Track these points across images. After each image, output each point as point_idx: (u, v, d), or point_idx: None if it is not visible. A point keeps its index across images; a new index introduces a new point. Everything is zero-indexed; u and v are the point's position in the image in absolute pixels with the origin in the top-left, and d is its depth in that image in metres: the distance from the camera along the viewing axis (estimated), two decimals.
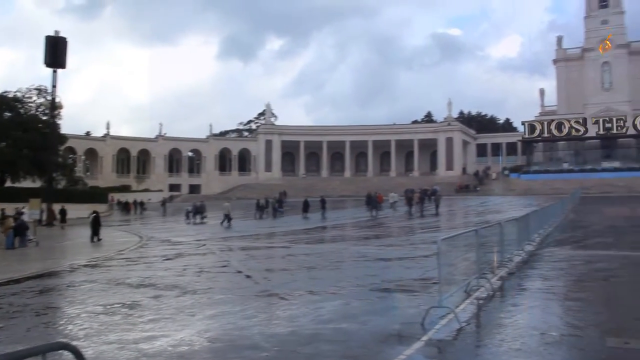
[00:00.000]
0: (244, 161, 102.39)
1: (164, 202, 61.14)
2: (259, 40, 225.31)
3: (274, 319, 9.59)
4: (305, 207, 42.12)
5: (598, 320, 9.21)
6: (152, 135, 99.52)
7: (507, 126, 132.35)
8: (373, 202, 42.79)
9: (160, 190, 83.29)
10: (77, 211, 44.73)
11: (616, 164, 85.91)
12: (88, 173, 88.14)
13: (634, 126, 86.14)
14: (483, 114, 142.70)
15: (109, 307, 10.83)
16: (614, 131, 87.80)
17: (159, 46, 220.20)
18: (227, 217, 34.94)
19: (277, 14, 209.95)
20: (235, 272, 15.53)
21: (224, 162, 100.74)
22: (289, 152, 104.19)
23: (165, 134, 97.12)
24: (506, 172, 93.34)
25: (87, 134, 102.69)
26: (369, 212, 42.07)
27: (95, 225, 26.12)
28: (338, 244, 23.40)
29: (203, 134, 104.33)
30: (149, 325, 9.25)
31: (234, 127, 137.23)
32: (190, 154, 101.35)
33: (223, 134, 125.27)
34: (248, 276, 14.45)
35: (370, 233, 28.69)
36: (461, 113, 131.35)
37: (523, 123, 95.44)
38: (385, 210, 43.93)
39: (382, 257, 17.82)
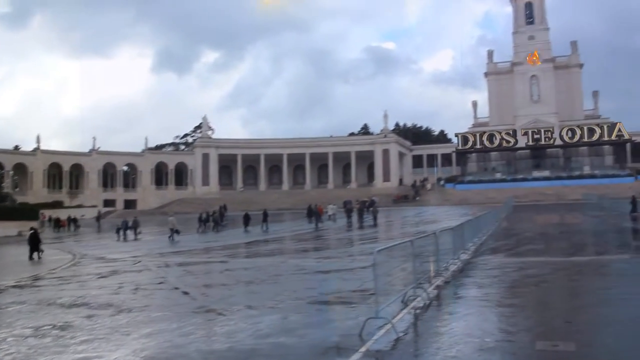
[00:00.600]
0: (181, 175, 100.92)
1: (98, 218, 59.56)
2: (193, 53, 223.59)
3: (212, 335, 9.49)
4: (246, 220, 41.92)
5: (529, 324, 9.52)
6: (86, 149, 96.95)
7: (442, 137, 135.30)
8: (315, 214, 43.38)
9: (95, 206, 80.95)
10: (4, 229, 43.01)
11: (546, 173, 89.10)
12: (17, 189, 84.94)
13: (561, 137, 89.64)
14: (418, 125, 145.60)
15: (38, 329, 10.45)
16: (543, 142, 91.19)
17: (91, 58, 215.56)
18: (174, 231, 34.36)
19: (211, 27, 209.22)
20: (172, 288, 15.27)
21: (160, 176, 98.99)
22: (227, 166, 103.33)
23: (99, 147, 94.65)
24: (442, 182, 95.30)
25: (16, 148, 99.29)
26: (310, 224, 42.49)
27: (34, 242, 25.30)
28: (277, 257, 23.32)
29: (138, 148, 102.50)
30: (81, 346, 8.98)
31: (170, 141, 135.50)
32: (125, 168, 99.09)
33: (159, 147, 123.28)
34: (185, 292, 14.25)
35: (309, 245, 28.76)
36: (397, 125, 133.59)
37: (457, 135, 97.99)
38: (325, 222, 44.15)
39: (321, 270, 17.88)
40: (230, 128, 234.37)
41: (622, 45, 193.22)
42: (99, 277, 18.23)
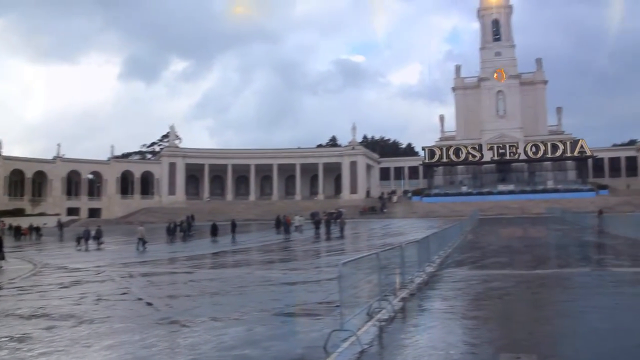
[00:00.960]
0: (147, 184, 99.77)
1: (61, 227, 58.45)
2: (162, 61, 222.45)
3: (175, 347, 9.37)
4: (214, 230, 41.69)
5: (493, 337, 9.61)
6: (49, 156, 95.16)
7: (409, 150, 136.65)
8: (284, 225, 43.86)
9: (58, 214, 79.50)
10: None
11: (511, 187, 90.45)
12: None
13: (525, 152, 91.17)
14: (386, 138, 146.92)
15: None
16: (508, 156, 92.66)
17: (56, 63, 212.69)
18: (142, 241, 33.88)
19: (180, 36, 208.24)
20: (135, 299, 15.04)
21: (126, 185, 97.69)
22: (193, 176, 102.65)
23: (63, 155, 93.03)
24: (409, 195, 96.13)
25: None
26: (278, 235, 42.85)
27: None
28: (243, 269, 23.18)
29: (104, 156, 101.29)
30: (39, 359, 8.79)
31: (136, 149, 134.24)
32: (90, 176, 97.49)
33: (125, 156, 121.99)
34: (149, 303, 14.05)
35: (276, 257, 28.64)
36: (365, 137, 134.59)
37: (424, 148, 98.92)
38: (292, 234, 44.12)
39: (287, 281, 17.81)
40: (198, 138, 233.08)
41: (584, 63, 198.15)
42: (60, 287, 17.87)
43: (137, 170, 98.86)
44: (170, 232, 42.94)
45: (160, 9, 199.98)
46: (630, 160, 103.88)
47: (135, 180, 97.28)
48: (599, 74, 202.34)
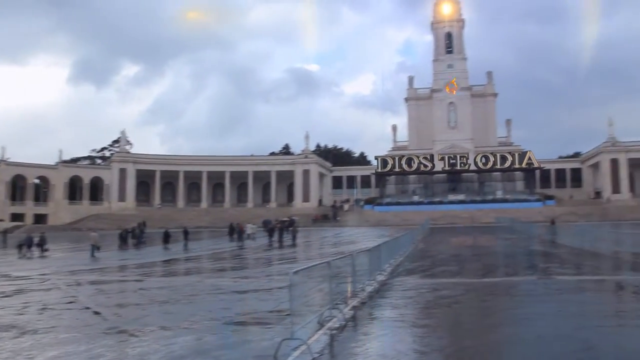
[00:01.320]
0: (97, 190, 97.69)
1: (4, 233, 56.70)
2: (113, 65, 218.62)
3: (123, 357, 9.20)
4: (166, 238, 41.10)
5: (442, 344, 9.74)
6: None
7: (362, 160, 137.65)
8: (238, 233, 43.79)
9: (1, 220, 77.24)
10: None
11: (461, 197, 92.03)
12: None
13: (475, 163, 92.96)
14: (339, 147, 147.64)
15: None
16: (458, 167, 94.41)
17: (3, 64, 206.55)
18: (95, 248, 33.14)
19: (132, 40, 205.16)
20: (82, 308, 14.67)
21: (74, 190, 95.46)
22: (144, 182, 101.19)
23: (8, 158, 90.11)
24: (361, 203, 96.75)
25: None
26: (231, 243, 42.76)
27: None
28: (194, 277, 22.90)
29: (52, 160, 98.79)
30: None
31: (86, 154, 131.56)
32: (36, 181, 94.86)
33: (74, 160, 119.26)
34: (97, 312, 13.74)
35: (227, 265, 28.41)
36: (318, 146, 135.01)
37: (376, 158, 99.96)
38: (245, 242, 43.86)
39: (238, 290, 17.69)
40: (149, 144, 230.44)
41: (532, 78, 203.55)
42: (1, 297, 17.31)
43: (87, 175, 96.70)
44: (123, 239, 42.11)
45: (111, 12, 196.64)
46: (575, 171, 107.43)
47: (84, 185, 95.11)
48: (546, 88, 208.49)
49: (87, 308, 14.50)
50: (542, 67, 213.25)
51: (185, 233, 42.52)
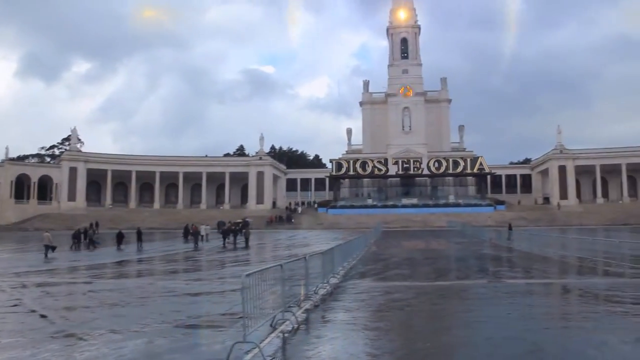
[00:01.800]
0: (45, 189, 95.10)
1: None
2: (64, 61, 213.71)
3: None
4: (119, 239, 40.48)
5: (393, 347, 9.82)
6: None
7: (317, 162, 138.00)
8: (195, 234, 43.66)
9: None
10: None
11: (414, 201, 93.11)
12: None
13: (429, 167, 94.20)
14: (294, 149, 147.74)
15: None
16: (412, 171, 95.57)
17: None
18: (49, 248, 32.35)
19: (84, 36, 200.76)
20: (28, 311, 14.26)
21: (21, 189, 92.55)
22: (95, 181, 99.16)
23: None
24: (315, 205, 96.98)
25: None
26: (186, 244, 42.75)
27: None
28: (145, 279, 22.55)
29: None
30: None
31: (34, 152, 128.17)
32: None
33: (22, 158, 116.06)
34: (43, 316, 13.37)
35: (180, 267, 28.07)
36: (273, 148, 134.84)
37: (331, 161, 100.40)
38: (200, 243, 43.49)
39: (190, 292, 17.50)
40: (100, 142, 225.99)
41: (485, 85, 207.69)
42: None
43: (35, 174, 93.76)
44: (76, 239, 41.13)
45: (63, 5, 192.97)
46: (525, 177, 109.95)
47: (32, 184, 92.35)
48: (498, 95, 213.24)
49: (33, 311, 14.10)
50: (494, 74, 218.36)
51: (139, 234, 41.84)
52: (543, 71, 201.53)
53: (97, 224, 56.24)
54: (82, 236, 42.68)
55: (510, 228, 41.61)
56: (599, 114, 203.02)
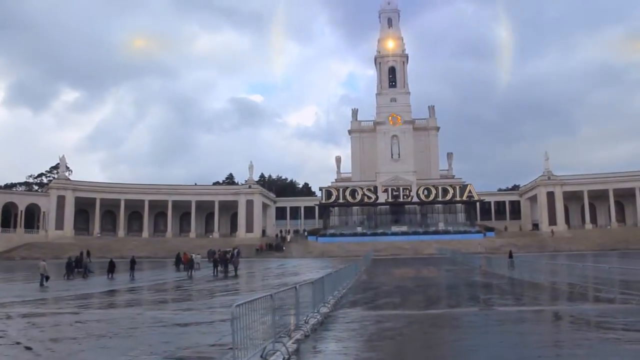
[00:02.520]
0: (33, 217, 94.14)
1: None
2: (52, 89, 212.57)
3: None
4: (111, 267, 40.31)
5: None
6: None
7: (307, 190, 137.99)
8: (190, 263, 43.38)
9: None
10: None
11: (404, 229, 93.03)
12: None
13: (418, 195, 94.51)
14: (283, 177, 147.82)
15: None
16: (401, 199, 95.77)
17: None
18: (44, 277, 32.20)
19: (73, 65, 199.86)
20: (13, 343, 13.98)
21: (8, 217, 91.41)
22: (84, 210, 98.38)
23: None
24: (305, 234, 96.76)
25: None
26: (178, 273, 42.93)
27: None
28: (134, 309, 22.27)
29: None
30: None
31: (22, 180, 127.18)
32: None
33: (9, 186, 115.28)
34: (28, 347, 13.13)
35: (170, 296, 27.81)
36: (262, 176, 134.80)
37: (321, 189, 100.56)
38: (193, 272, 43.28)
39: (179, 322, 17.28)
40: (89, 171, 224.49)
41: (472, 113, 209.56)
42: None
43: (22, 202, 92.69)
44: (69, 268, 40.74)
45: (52, 35, 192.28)
46: (514, 204, 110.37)
47: (19, 212, 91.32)
48: (485, 123, 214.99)
49: (18, 343, 13.85)
50: (479, 102, 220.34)
51: (132, 263, 41.85)
52: (527, 98, 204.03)
53: (88, 253, 55.68)
54: (75, 265, 42.28)
55: (510, 256, 41.09)
56: (584, 140, 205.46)
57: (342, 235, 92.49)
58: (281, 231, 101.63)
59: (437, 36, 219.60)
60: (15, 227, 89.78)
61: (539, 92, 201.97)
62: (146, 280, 38.74)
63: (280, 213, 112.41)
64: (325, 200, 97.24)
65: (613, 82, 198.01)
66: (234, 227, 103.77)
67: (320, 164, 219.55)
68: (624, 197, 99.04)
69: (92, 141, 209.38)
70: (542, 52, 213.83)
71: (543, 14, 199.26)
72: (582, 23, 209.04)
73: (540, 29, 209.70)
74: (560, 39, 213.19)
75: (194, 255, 47.82)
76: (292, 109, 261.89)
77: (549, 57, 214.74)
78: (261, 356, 10.39)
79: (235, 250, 55.27)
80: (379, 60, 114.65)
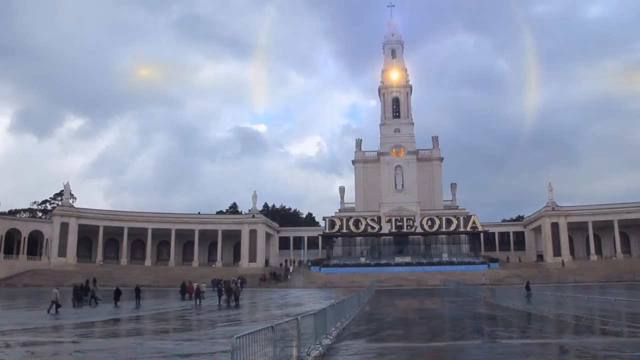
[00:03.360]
0: (36, 244, 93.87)
1: None
2: (57, 117, 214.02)
3: None
4: (117, 295, 40.36)
5: None
6: None
7: (310, 220, 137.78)
8: (197, 292, 43.81)
9: None
10: None
11: (407, 259, 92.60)
12: None
13: (421, 225, 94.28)
14: (287, 207, 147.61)
15: None
16: (405, 229, 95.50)
17: None
18: (56, 304, 32.62)
19: (78, 92, 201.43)
20: None
21: (11, 244, 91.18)
22: (87, 237, 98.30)
23: None
24: (308, 263, 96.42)
25: None
26: (184, 302, 43.70)
27: None
28: (135, 338, 22.07)
29: None
30: None
31: (26, 207, 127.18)
32: None
33: (13, 212, 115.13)
34: None
35: (171, 326, 27.59)
36: (266, 205, 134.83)
37: (324, 218, 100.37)
38: (200, 300, 43.49)
39: (180, 353, 17.11)
40: (92, 198, 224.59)
41: (474, 143, 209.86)
42: None
43: (25, 228, 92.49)
44: (77, 296, 40.62)
45: (58, 63, 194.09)
46: (518, 234, 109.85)
47: (22, 239, 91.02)
48: (488, 153, 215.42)
49: None
50: (482, 132, 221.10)
51: (137, 291, 42.07)
52: (529, 129, 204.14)
53: (95, 281, 55.54)
54: (82, 292, 42.15)
55: (528, 288, 39.91)
56: (586, 171, 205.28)
57: (345, 265, 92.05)
58: (286, 261, 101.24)
59: (438, 67, 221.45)
60: (18, 253, 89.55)
61: (540, 123, 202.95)
62: (151, 309, 38.60)
63: (284, 243, 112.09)
64: (329, 230, 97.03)
65: (614, 114, 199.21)
66: (236, 256, 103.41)
67: (323, 194, 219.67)
68: (629, 228, 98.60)
69: (96, 168, 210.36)
70: (543, 83, 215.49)
71: (541, 46, 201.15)
72: (580, 55, 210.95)
73: (540, 60, 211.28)
74: (560, 70, 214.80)
75: (200, 284, 47.87)
76: (295, 139, 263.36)
77: (550, 88, 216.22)
78: None
79: (239, 280, 55.13)
80: (383, 91, 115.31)
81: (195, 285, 47.08)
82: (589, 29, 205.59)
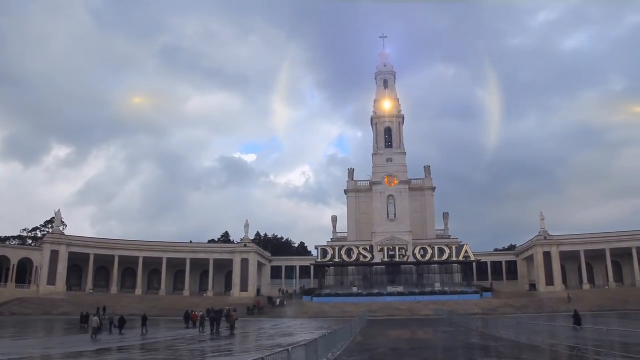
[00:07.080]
0: (25, 272, 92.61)
1: None
2: (43, 145, 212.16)
3: None
4: (121, 324, 40.69)
5: None
6: None
7: (302, 250, 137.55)
8: (202, 320, 47.16)
9: None
10: None
11: (400, 289, 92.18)
12: None
13: (414, 255, 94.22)
14: (279, 236, 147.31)
15: None
16: (397, 259, 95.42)
17: None
18: (97, 330, 36.66)
19: (64, 121, 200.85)
20: None
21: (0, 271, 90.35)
22: (77, 265, 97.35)
23: None
24: (299, 294, 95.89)
25: None
26: (188, 330, 46.09)
27: None
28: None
29: None
30: None
31: (16, 234, 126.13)
32: None
33: (2, 240, 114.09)
34: None
35: (161, 357, 27.28)
36: (258, 235, 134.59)
37: (316, 247, 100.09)
38: (204, 329, 44.95)
39: None
40: (79, 226, 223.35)
41: (465, 173, 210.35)
42: None
43: (14, 256, 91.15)
44: (95, 327, 40.28)
45: (44, 91, 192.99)
46: (511, 264, 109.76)
47: (11, 267, 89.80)
48: (474, 183, 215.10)
49: None
50: (467, 162, 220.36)
51: (144, 319, 43.27)
52: (512, 159, 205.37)
53: (105, 309, 56.15)
54: (99, 321, 41.85)
55: (577, 317, 37.75)
56: (571, 200, 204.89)
57: (337, 295, 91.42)
58: (281, 290, 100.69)
59: (422, 98, 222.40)
60: (6, 281, 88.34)
61: (524, 153, 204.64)
62: (158, 336, 39.37)
63: (276, 272, 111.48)
64: (321, 259, 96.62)
65: (594, 144, 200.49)
66: (228, 285, 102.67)
67: (312, 223, 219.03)
68: (621, 257, 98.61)
69: (83, 196, 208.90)
70: (523, 114, 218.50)
71: (519, 77, 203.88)
72: (559, 86, 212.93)
73: (519, 91, 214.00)
74: (540, 101, 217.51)
75: (201, 313, 50.07)
76: (282, 169, 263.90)
77: (530, 118, 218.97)
78: None
79: (226, 310, 55.39)
80: (375, 120, 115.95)
81: (199, 314, 50.46)
82: (565, 61, 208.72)
